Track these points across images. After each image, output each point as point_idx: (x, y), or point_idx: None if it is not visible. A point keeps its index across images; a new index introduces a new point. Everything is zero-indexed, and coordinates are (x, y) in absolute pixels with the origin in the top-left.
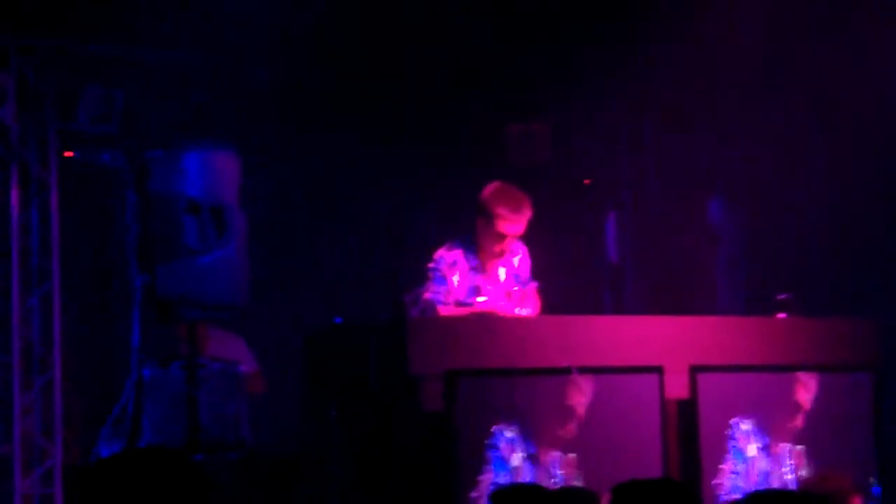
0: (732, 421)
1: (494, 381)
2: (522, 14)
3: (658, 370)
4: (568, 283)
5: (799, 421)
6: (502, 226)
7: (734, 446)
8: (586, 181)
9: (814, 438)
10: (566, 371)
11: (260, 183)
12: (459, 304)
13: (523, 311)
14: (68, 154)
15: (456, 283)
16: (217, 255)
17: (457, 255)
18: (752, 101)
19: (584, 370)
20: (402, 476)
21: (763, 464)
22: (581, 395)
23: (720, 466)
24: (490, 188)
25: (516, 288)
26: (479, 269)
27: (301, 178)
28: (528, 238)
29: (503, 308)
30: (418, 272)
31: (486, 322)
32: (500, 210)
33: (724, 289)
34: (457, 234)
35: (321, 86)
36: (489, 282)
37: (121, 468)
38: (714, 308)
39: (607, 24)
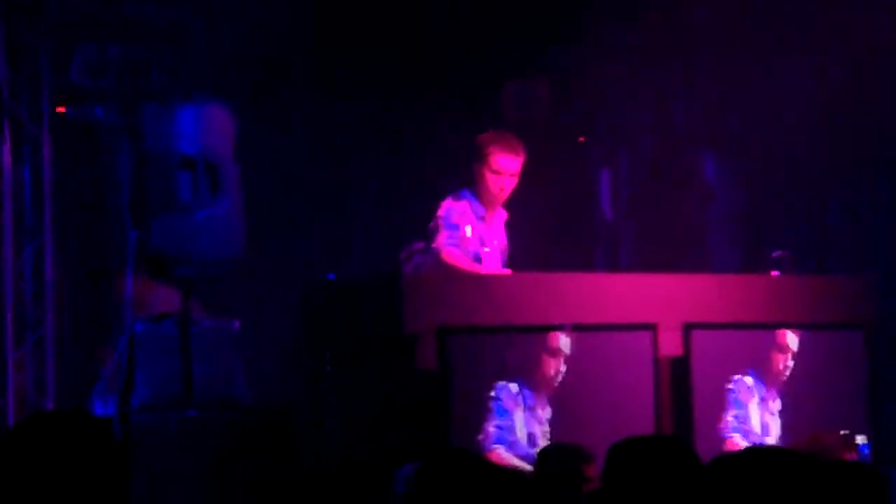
0: (734, 377)
1: (487, 338)
2: None
3: (652, 327)
4: (562, 240)
5: (791, 377)
6: (496, 162)
7: (735, 398)
8: (581, 139)
9: (807, 395)
10: (560, 328)
11: (256, 137)
12: (470, 254)
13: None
14: (61, 109)
15: (468, 234)
16: (211, 211)
17: (464, 206)
18: (749, 57)
19: (578, 328)
20: (396, 432)
21: (763, 415)
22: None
23: (721, 414)
24: (483, 134)
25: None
26: (484, 217)
27: (297, 132)
28: (524, 194)
29: (499, 268)
30: (412, 229)
31: (479, 279)
32: (494, 148)
33: (718, 246)
34: (457, 187)
35: (317, 42)
36: (493, 234)
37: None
38: (708, 265)
39: None
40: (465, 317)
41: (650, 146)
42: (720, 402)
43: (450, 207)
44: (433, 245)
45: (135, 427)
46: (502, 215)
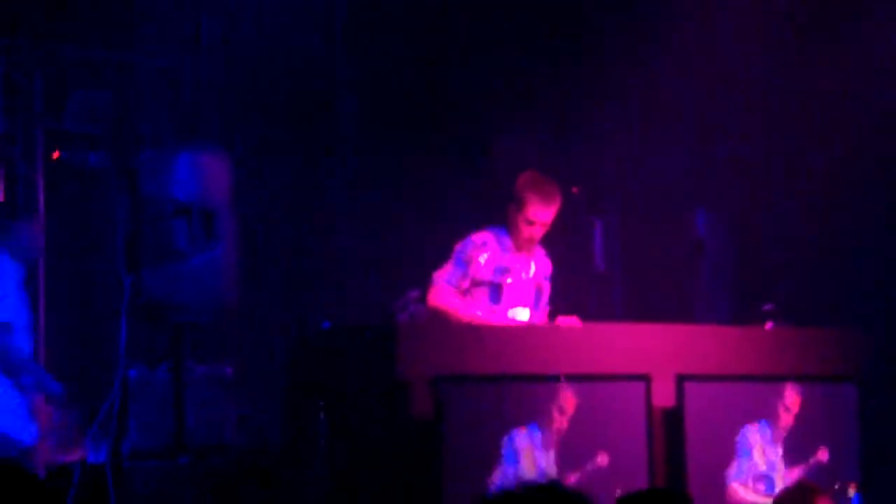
0: (744, 426)
1: (482, 387)
2: (516, 26)
3: (645, 378)
4: (555, 290)
5: (784, 430)
6: (532, 212)
7: (743, 447)
8: (574, 189)
9: (799, 448)
10: (555, 378)
11: (251, 184)
12: (478, 283)
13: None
14: (56, 155)
15: (482, 262)
16: (206, 258)
17: (488, 236)
18: (738, 110)
19: (572, 378)
20: (389, 482)
21: (768, 465)
22: (563, 404)
23: (716, 465)
24: (524, 176)
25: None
26: (510, 251)
27: (292, 180)
28: None
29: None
30: (408, 277)
31: (473, 329)
32: (530, 196)
33: (709, 298)
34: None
35: (313, 85)
36: (520, 266)
37: None
38: (700, 318)
39: (593, 31)
40: (460, 366)
41: (642, 197)
42: (714, 453)
43: (469, 240)
44: (434, 273)
45: (126, 474)
46: (540, 255)
